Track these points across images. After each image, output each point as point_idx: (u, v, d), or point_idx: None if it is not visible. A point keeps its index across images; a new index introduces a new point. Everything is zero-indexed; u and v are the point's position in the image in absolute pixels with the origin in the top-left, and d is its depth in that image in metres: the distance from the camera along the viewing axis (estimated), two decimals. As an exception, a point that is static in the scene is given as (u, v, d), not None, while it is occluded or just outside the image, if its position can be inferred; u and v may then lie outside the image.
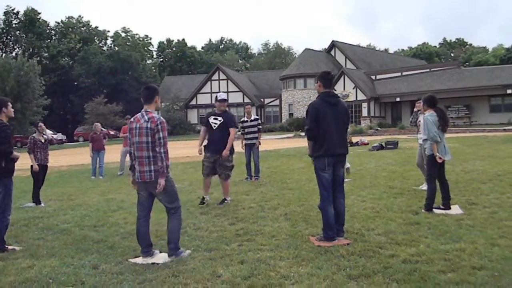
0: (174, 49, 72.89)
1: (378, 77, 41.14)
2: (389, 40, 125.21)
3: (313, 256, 4.43)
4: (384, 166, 11.67)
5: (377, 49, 67.40)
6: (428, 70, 40.49)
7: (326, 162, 4.94)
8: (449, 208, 6.21)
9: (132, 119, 4.72)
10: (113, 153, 15.41)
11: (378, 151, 16.48)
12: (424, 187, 7.33)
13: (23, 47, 61.39)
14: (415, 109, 8.47)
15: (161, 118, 4.61)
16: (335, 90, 39.00)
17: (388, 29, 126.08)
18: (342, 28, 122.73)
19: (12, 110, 5.53)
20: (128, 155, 4.89)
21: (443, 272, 3.87)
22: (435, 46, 75.33)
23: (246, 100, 45.42)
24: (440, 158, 6.22)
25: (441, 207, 6.24)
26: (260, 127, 10.38)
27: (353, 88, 38.59)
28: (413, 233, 5.11)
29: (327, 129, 4.92)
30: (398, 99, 37.84)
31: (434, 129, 6.17)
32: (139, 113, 4.69)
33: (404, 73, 40.23)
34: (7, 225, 5.32)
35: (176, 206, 4.73)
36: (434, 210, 6.14)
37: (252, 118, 10.36)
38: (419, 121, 7.93)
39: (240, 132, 10.39)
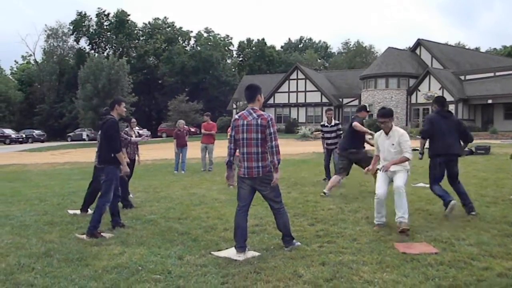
0: (253, 48, 73.90)
1: (468, 77, 38.52)
2: (486, 33, 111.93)
3: (398, 263, 4.25)
4: (474, 173, 10.90)
5: (466, 47, 63.21)
6: (526, 70, 37.22)
7: (438, 161, 6.20)
8: (552, 221, 5.71)
9: (237, 116, 4.82)
10: (194, 149, 15.97)
11: (467, 156, 15.42)
12: (522, 196, 6.79)
13: (113, 47, 65.85)
14: None
15: (270, 115, 4.71)
16: (420, 91, 37.39)
17: (486, 21, 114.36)
18: (431, 22, 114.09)
19: (124, 110, 5.98)
20: (228, 151, 5.00)
21: (546, 291, 3.54)
22: (534, 44, 68.94)
23: (324, 100, 44.84)
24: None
25: (543, 219, 5.78)
26: (340, 132, 10.15)
27: (439, 89, 36.48)
28: (509, 245, 4.73)
29: (439, 135, 6.21)
30: (490, 101, 35.19)
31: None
32: (245, 111, 4.79)
33: (497, 74, 37.23)
34: (116, 204, 5.99)
35: (280, 201, 4.84)
36: (534, 222, 5.69)
37: (333, 123, 10.21)
38: None
39: (321, 136, 10.58)
